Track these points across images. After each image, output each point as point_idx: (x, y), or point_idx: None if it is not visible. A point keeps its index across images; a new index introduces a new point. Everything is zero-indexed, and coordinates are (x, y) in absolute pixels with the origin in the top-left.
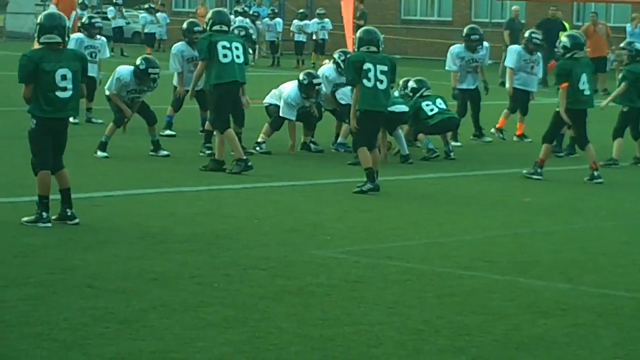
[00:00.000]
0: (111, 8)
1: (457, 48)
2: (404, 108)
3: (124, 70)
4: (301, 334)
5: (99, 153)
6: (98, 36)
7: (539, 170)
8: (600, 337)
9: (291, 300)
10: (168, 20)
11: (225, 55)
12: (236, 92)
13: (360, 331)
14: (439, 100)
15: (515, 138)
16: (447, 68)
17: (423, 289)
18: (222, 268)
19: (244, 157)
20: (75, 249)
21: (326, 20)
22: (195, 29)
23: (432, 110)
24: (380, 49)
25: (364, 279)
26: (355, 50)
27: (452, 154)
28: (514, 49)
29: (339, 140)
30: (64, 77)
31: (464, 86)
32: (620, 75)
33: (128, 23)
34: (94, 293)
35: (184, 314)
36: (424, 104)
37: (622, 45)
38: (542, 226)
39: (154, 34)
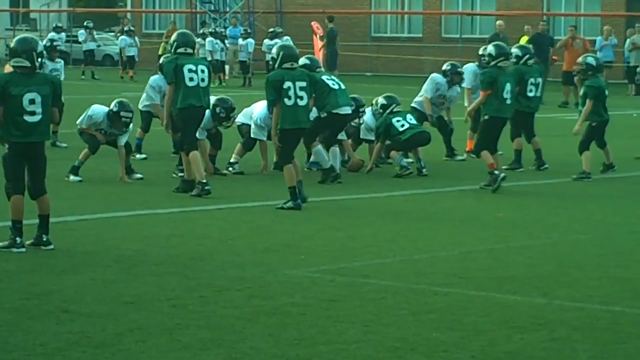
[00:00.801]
0: (82, 31)
1: (439, 78)
2: (347, 110)
3: (98, 109)
4: (277, 354)
5: (72, 177)
6: (58, 59)
7: (494, 174)
8: (576, 350)
9: (267, 320)
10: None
11: (191, 79)
12: (202, 116)
13: (337, 350)
14: (409, 116)
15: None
16: (423, 93)
17: (399, 307)
18: (197, 290)
19: (204, 181)
20: (50, 274)
21: (285, 38)
22: None
23: (403, 125)
24: (298, 64)
25: (339, 298)
26: (275, 67)
27: (424, 170)
28: (468, 69)
29: (312, 159)
30: (32, 102)
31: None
32: (581, 92)
33: (99, 46)
34: (70, 317)
35: (160, 336)
36: (394, 120)
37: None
38: (517, 241)
39: (133, 56)
